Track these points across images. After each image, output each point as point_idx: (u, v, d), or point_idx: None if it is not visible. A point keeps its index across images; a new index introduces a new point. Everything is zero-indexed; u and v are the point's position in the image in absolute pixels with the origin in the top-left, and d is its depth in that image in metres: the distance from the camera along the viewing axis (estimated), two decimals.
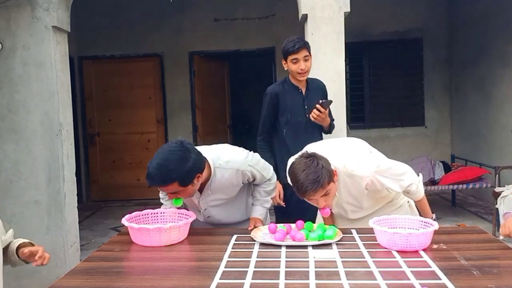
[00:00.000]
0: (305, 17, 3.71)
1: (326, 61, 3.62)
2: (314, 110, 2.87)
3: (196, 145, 7.71)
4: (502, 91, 5.62)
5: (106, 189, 7.21)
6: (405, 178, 2.19)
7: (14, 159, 3.71)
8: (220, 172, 2.24)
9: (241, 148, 2.42)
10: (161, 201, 2.49)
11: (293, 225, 2.19)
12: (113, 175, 7.16)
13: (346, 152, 2.20)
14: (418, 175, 2.32)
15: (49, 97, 3.72)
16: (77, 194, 4.05)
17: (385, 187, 2.19)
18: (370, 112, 7.19)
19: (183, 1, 6.70)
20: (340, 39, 3.63)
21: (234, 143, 8.79)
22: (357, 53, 6.95)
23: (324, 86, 3.18)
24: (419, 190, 2.27)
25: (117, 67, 7.02)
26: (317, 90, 3.11)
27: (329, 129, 3.09)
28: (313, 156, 2.01)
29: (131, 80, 7.02)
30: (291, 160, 2.15)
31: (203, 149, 2.28)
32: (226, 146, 2.42)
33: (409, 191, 2.25)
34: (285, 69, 2.99)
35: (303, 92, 3.05)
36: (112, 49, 7.07)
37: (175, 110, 7.16)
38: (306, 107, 2.99)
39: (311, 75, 3.71)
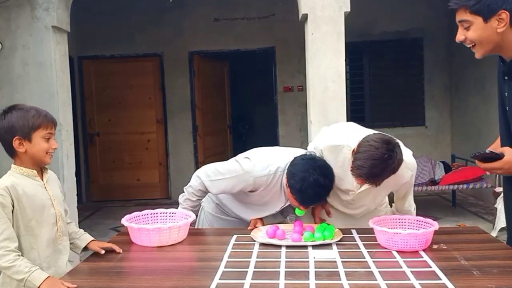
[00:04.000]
0: (305, 17, 3.71)
1: (326, 61, 3.62)
2: (478, 163, 1.81)
3: (196, 145, 7.66)
4: None
5: (106, 189, 7.20)
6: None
7: None
8: None
9: None
10: (182, 206, 2.40)
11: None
12: (113, 175, 7.16)
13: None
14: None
15: (49, 97, 3.72)
16: (77, 194, 4.05)
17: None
18: (370, 112, 7.18)
19: (183, 1, 6.70)
20: (341, 39, 3.63)
21: (234, 143, 8.78)
22: (357, 53, 6.95)
23: None
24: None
25: (117, 67, 7.01)
26: None
27: None
28: (394, 151, 1.85)
29: (131, 80, 7.01)
30: (367, 135, 1.93)
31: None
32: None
33: (409, 211, 2.29)
34: None
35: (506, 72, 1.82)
36: (112, 49, 7.07)
37: (175, 110, 7.15)
38: (506, 94, 1.83)
39: (311, 74, 3.71)
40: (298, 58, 6.69)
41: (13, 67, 3.73)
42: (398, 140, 1.96)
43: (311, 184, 2.01)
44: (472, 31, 1.69)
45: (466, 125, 6.65)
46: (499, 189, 4.77)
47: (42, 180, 1.88)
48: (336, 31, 3.63)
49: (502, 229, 4.46)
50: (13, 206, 1.74)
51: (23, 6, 3.70)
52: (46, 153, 1.82)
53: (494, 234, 4.47)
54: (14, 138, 1.77)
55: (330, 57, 3.63)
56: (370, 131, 2.10)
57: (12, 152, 1.82)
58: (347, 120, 3.79)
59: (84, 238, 2.04)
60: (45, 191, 1.87)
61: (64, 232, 1.93)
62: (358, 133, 2.09)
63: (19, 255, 1.70)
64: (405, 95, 7.10)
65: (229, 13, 7.01)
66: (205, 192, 2.35)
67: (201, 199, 2.42)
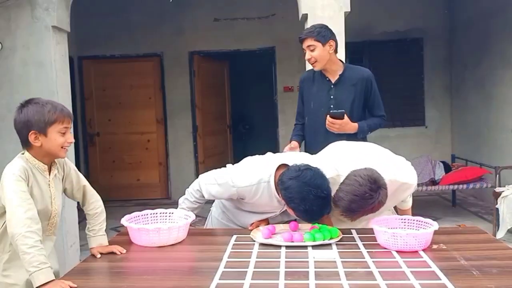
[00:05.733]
0: (305, 16, 3.71)
1: None
2: (328, 118, 2.78)
3: (196, 145, 7.64)
4: (503, 91, 5.62)
5: (106, 189, 7.13)
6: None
7: None
8: None
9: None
10: (181, 206, 2.40)
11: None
12: (113, 175, 7.16)
13: (391, 164, 2.11)
14: None
15: (49, 97, 3.67)
16: None
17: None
18: None
19: (183, 1, 6.70)
20: (341, 39, 3.62)
21: (234, 143, 8.73)
22: (357, 53, 6.94)
23: (367, 77, 2.90)
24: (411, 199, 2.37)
25: (117, 67, 7.01)
26: (352, 81, 2.87)
27: (360, 135, 2.86)
28: (377, 192, 1.85)
29: (131, 80, 7.01)
30: (356, 170, 1.94)
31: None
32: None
33: (404, 205, 2.34)
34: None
35: (332, 81, 2.91)
36: (112, 49, 7.06)
37: (175, 110, 7.15)
38: (332, 97, 2.90)
39: None
40: (298, 58, 6.66)
41: (13, 67, 3.73)
42: (388, 180, 1.94)
43: (313, 201, 1.96)
44: (316, 51, 2.80)
45: (466, 125, 6.65)
46: (500, 189, 4.77)
47: (49, 175, 1.87)
48: (336, 31, 3.60)
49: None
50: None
51: (23, 6, 3.70)
52: (62, 147, 1.83)
53: (500, 235, 4.46)
54: (30, 133, 1.78)
55: None
56: (369, 152, 2.16)
57: (27, 145, 1.82)
58: None
59: (92, 240, 2.02)
60: (49, 189, 1.87)
61: (55, 227, 1.93)
62: (352, 160, 2.08)
63: (40, 241, 1.67)
64: (405, 95, 7.09)
65: (229, 13, 7.01)
66: (203, 195, 2.34)
67: (200, 203, 2.39)
